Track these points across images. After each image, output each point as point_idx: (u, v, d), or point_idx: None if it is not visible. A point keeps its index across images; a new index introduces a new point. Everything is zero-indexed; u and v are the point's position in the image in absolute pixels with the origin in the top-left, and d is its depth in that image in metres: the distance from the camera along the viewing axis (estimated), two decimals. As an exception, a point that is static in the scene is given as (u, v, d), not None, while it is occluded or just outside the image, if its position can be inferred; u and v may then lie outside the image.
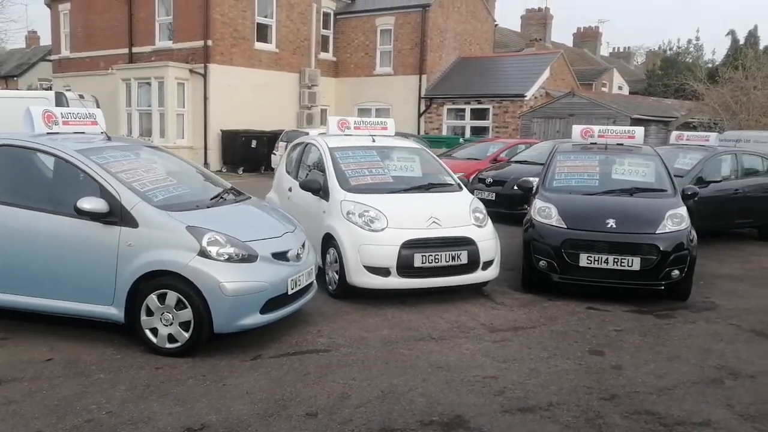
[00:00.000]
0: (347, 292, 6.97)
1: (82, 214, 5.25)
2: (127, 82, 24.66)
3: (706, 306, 7.30)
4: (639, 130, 8.90)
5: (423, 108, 25.62)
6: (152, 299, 5.27)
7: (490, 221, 7.47)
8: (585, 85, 34.95)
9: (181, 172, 6.54)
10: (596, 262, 7.06)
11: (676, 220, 7.24)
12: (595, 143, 8.85)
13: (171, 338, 5.27)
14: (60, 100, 11.38)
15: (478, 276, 7.13)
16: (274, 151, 22.26)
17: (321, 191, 7.54)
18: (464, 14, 27.42)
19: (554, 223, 7.40)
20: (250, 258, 5.40)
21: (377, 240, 6.78)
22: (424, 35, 25.33)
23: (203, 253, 5.21)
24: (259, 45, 24.91)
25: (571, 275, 7.21)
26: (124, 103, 24.73)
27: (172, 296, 5.22)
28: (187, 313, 5.20)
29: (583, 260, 7.10)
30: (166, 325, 5.27)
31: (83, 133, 6.37)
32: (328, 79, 27.55)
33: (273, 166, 22.43)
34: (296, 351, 5.51)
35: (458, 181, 8.00)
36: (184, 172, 6.60)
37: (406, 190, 7.50)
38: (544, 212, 7.57)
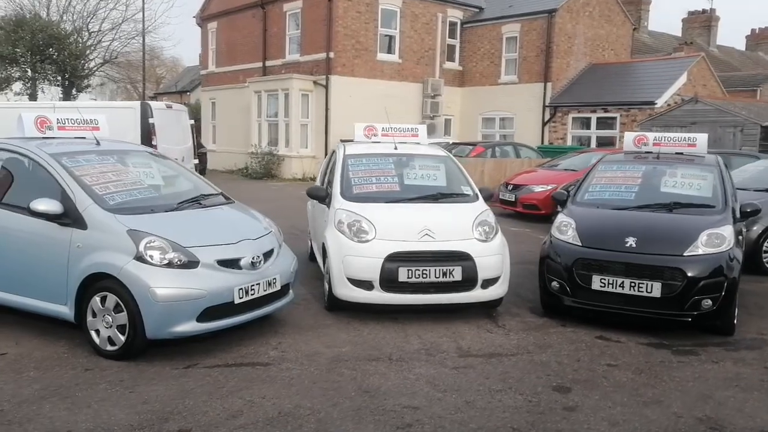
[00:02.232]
0: (338, 306, 6.66)
1: (35, 215, 5.43)
2: (258, 94, 25.91)
3: (752, 344, 6.17)
4: (701, 138, 7.77)
5: (547, 117, 24.47)
6: (96, 301, 5.32)
7: (499, 235, 6.83)
8: (748, 92, 31.68)
9: (168, 177, 6.61)
10: (610, 286, 6.20)
11: (715, 241, 6.19)
12: (650, 152, 7.84)
13: (111, 341, 5.29)
14: (145, 110, 12.10)
15: (477, 295, 6.53)
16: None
17: (327, 199, 7.31)
18: (597, 18, 25.88)
19: (570, 240, 6.63)
20: (190, 264, 5.30)
21: (362, 251, 6.42)
22: (549, 41, 24.22)
23: (140, 257, 5.18)
24: (381, 56, 25.12)
25: (583, 299, 6.40)
26: (256, 114, 26.00)
27: (111, 299, 5.25)
28: (123, 317, 5.19)
29: (596, 283, 6.27)
30: (107, 328, 5.30)
31: (83, 137, 6.62)
32: (454, 89, 27.16)
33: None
34: (236, 363, 5.31)
35: (476, 192, 7.42)
36: (172, 178, 6.66)
37: (410, 200, 7.06)
38: (562, 228, 6.81)
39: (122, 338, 5.22)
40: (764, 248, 9.33)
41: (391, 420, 4.33)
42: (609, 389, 4.96)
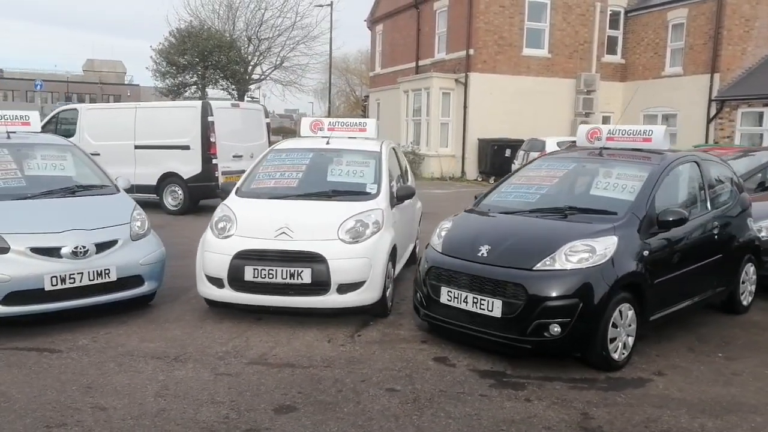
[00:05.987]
0: (211, 303, 6.54)
1: None
2: (406, 94, 26.13)
3: (617, 384, 4.92)
4: (658, 131, 6.35)
5: (714, 112, 21.50)
6: (-67, 283, 5.83)
7: (374, 238, 6.19)
8: None
9: (62, 169, 7.00)
10: (456, 300, 5.35)
11: (581, 255, 5.05)
12: (606, 147, 6.57)
13: (-60, 319, 5.76)
14: (205, 110, 12.81)
15: (333, 300, 5.99)
16: (513, 161, 21.23)
17: (233, 195, 7.21)
18: (785, -4, 22.15)
19: (437, 248, 5.83)
20: (1, 250, 5.58)
21: (218, 248, 6.23)
22: (719, 26, 21.25)
23: (-47, 242, 5.58)
24: (528, 51, 23.93)
25: (434, 313, 5.60)
26: (404, 113, 26.23)
27: (-61, 281, 5.71)
28: (-56, 297, 5.63)
29: (444, 296, 5.45)
30: (-61, 307, 5.77)
31: (15, 132, 7.21)
32: (613, 84, 25.00)
33: (513, 176, 21.39)
34: (33, 347, 5.46)
35: (380, 190, 6.77)
36: (63, 169, 7.01)
37: (297, 197, 6.70)
38: (441, 232, 6.01)
39: (-56, 317, 5.66)
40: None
41: (54, 416, 4.20)
42: (338, 416, 4.30)
